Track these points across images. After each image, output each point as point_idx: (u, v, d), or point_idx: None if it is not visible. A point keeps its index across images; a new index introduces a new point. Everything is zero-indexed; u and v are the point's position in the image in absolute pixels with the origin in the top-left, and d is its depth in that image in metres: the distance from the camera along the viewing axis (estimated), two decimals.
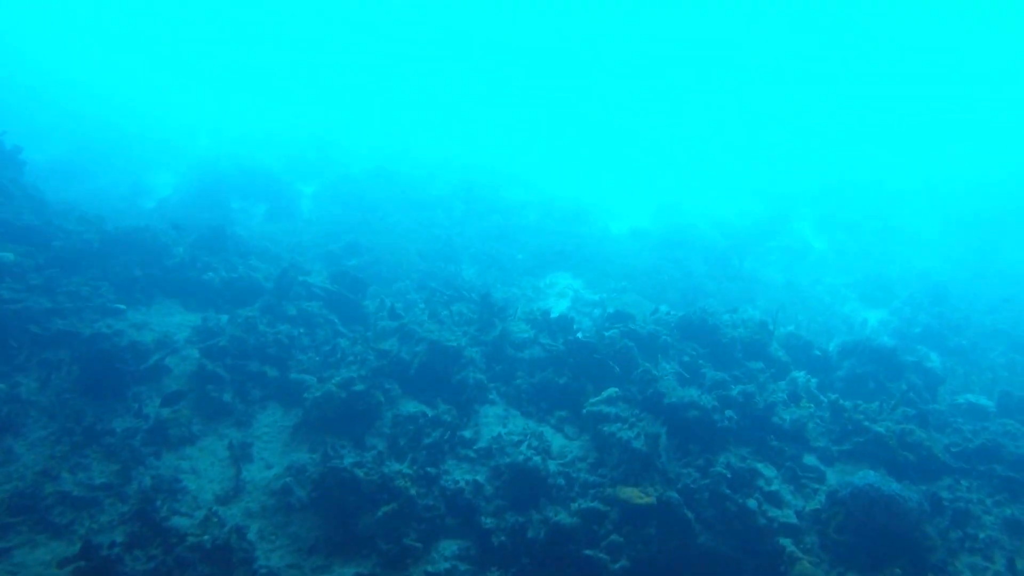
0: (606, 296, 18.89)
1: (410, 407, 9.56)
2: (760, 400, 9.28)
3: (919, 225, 31.65)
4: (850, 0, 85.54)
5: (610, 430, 8.59)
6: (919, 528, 7.32)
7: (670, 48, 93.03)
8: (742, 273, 23.27)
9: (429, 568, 7.25)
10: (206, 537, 7.02)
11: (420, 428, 9.06)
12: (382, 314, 12.02)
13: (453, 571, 7.27)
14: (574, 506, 7.78)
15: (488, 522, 7.72)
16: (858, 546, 7.28)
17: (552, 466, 8.35)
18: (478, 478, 8.32)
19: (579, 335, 11.26)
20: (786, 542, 7.35)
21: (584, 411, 9.23)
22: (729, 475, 7.93)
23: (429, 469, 8.24)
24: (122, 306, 11.25)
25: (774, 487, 8.03)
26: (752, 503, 7.66)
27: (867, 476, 7.65)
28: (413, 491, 7.78)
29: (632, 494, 7.69)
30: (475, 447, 8.99)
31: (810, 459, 8.86)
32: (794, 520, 7.63)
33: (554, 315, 12.24)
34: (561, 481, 8.19)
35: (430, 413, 9.36)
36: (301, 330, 11.48)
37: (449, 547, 7.58)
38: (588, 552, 7.27)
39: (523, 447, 8.61)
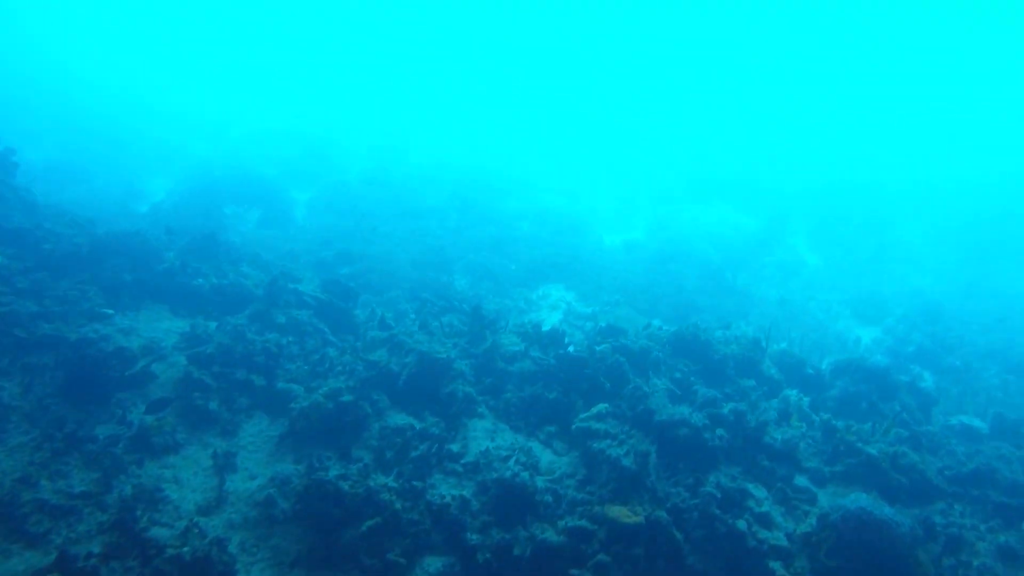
0: (599, 309, 18.81)
1: (398, 419, 9.44)
2: (752, 419, 9.19)
3: (914, 241, 31.67)
4: (843, 8, 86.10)
5: (599, 447, 8.48)
6: (911, 554, 7.23)
7: (665, 57, 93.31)
8: (736, 288, 23.24)
9: None
10: (185, 549, 6.87)
11: (407, 441, 8.94)
12: (372, 324, 11.92)
13: None
14: (561, 524, 7.67)
15: (473, 538, 7.59)
16: (849, 571, 7.19)
17: (540, 482, 8.23)
18: (465, 493, 8.20)
19: (570, 349, 11.16)
20: (776, 565, 7.25)
21: (573, 427, 9.13)
22: (719, 495, 7.84)
23: (415, 483, 8.11)
24: (110, 311, 11.11)
25: (764, 508, 7.93)
26: (742, 524, 7.55)
27: (859, 499, 7.56)
28: (398, 505, 7.66)
29: (620, 513, 7.58)
30: (462, 461, 8.86)
31: (801, 480, 8.78)
32: (784, 543, 7.53)
33: (546, 328, 12.15)
34: (549, 498, 8.08)
35: (418, 426, 9.24)
36: (290, 339, 11.37)
37: (433, 563, 7.45)
38: (574, 572, 7.15)
39: (511, 462, 8.50)
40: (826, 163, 44.42)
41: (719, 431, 8.78)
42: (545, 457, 9.11)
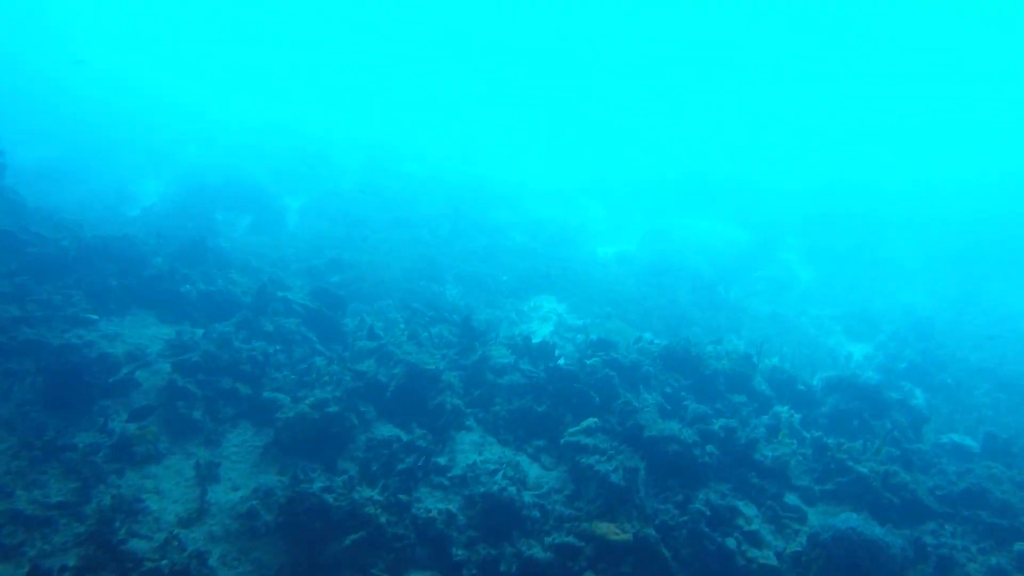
0: (590, 322, 18.71)
1: (385, 431, 9.32)
2: (742, 435, 9.10)
3: (905, 257, 31.73)
4: (840, 9, 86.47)
5: (588, 462, 8.36)
6: (902, 575, 7.14)
7: (659, 63, 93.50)
8: (728, 303, 23.21)
9: None
10: (164, 562, 6.73)
11: (394, 453, 8.82)
12: (361, 334, 11.79)
13: None
14: (548, 540, 7.55)
15: (459, 554, 7.46)
16: None
17: (527, 497, 8.11)
18: (451, 507, 8.06)
19: (561, 361, 11.07)
20: None
21: (562, 441, 9.01)
22: (708, 513, 7.74)
23: (401, 496, 7.97)
24: (94, 316, 10.96)
25: (754, 526, 7.83)
26: (731, 542, 7.46)
27: (850, 519, 7.47)
28: (383, 519, 7.53)
29: (608, 530, 7.47)
30: (449, 475, 8.74)
31: (792, 498, 8.68)
32: (774, 562, 7.42)
33: (537, 339, 12.07)
34: (536, 513, 7.95)
35: (405, 438, 9.12)
36: (277, 347, 11.23)
37: None
38: None
39: (498, 476, 8.39)
40: (821, 166, 44.72)
41: (709, 447, 8.70)
42: (533, 471, 8.99)
